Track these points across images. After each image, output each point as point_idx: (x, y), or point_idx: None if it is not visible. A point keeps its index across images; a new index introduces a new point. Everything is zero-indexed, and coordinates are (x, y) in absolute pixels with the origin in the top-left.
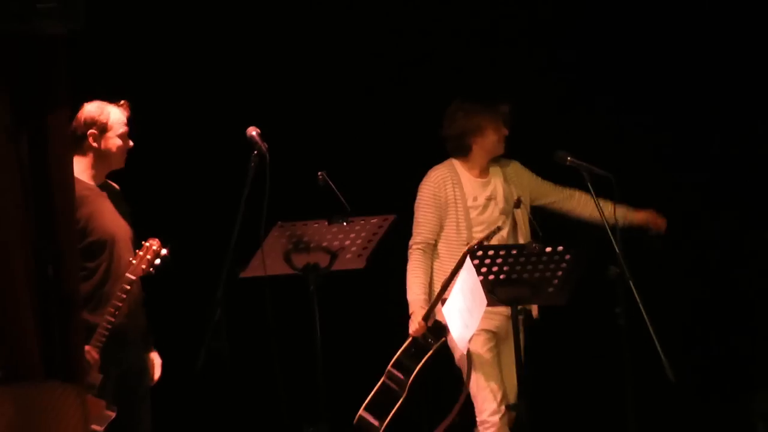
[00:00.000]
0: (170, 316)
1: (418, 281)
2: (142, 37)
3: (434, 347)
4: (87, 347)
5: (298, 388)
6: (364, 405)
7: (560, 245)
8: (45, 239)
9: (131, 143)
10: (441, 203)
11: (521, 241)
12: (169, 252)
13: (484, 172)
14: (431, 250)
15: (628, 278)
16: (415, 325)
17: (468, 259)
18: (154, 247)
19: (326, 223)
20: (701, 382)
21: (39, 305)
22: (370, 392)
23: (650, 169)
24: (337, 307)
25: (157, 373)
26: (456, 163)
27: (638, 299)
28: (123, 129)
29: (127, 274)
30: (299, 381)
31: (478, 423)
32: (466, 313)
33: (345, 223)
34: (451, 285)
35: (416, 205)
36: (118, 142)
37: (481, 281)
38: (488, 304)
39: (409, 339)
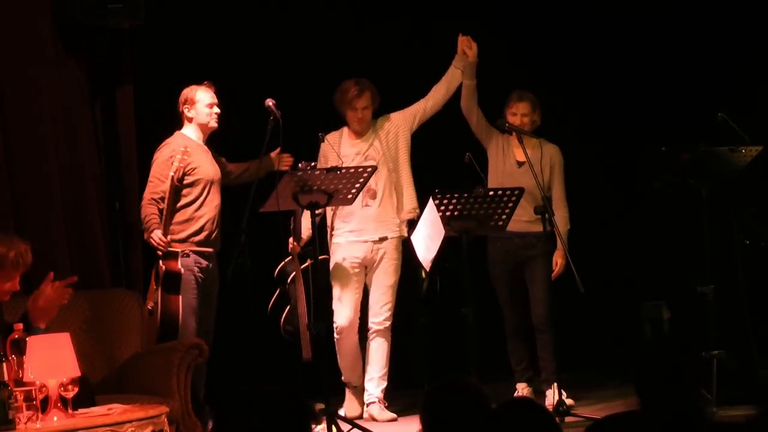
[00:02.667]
0: None
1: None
2: (192, 30)
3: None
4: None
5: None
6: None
7: (500, 190)
8: (113, 180)
9: (217, 110)
10: (325, 153)
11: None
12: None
13: (359, 135)
14: None
15: (551, 215)
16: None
17: (431, 199)
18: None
19: (325, 171)
20: (604, 292)
21: (108, 231)
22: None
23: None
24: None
25: None
26: (344, 129)
27: (558, 232)
28: (208, 101)
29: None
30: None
31: (335, 329)
32: (428, 240)
33: (338, 172)
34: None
35: None
36: (206, 110)
37: (440, 216)
38: (445, 234)
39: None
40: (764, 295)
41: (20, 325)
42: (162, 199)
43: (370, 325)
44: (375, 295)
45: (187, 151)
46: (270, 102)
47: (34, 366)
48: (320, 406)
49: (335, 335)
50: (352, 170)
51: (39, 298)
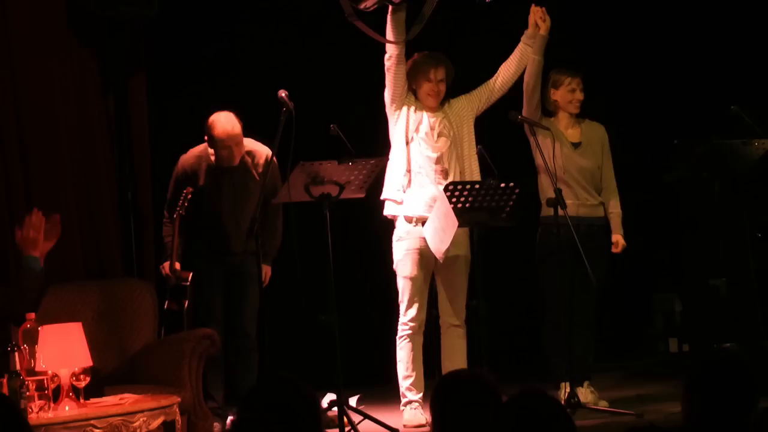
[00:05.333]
0: None
1: None
2: (205, 20)
3: None
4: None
5: (313, 286)
6: None
7: (511, 182)
8: (125, 171)
9: (228, 147)
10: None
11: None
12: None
13: (431, 111)
14: None
15: (565, 207)
16: None
17: (442, 191)
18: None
19: (336, 163)
20: (616, 285)
21: (120, 221)
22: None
23: None
24: (341, 224)
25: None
26: (414, 101)
27: (571, 226)
28: (224, 138)
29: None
30: (314, 280)
31: (410, 323)
32: (440, 232)
33: (350, 163)
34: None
35: None
36: (211, 150)
37: (452, 208)
38: (458, 225)
39: None
40: None
41: (32, 315)
42: (174, 206)
43: (443, 321)
44: (452, 291)
45: (189, 194)
46: (283, 93)
47: (46, 355)
48: (332, 396)
49: (407, 330)
50: (363, 162)
51: (24, 228)
